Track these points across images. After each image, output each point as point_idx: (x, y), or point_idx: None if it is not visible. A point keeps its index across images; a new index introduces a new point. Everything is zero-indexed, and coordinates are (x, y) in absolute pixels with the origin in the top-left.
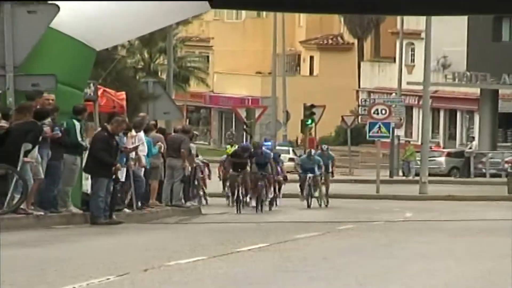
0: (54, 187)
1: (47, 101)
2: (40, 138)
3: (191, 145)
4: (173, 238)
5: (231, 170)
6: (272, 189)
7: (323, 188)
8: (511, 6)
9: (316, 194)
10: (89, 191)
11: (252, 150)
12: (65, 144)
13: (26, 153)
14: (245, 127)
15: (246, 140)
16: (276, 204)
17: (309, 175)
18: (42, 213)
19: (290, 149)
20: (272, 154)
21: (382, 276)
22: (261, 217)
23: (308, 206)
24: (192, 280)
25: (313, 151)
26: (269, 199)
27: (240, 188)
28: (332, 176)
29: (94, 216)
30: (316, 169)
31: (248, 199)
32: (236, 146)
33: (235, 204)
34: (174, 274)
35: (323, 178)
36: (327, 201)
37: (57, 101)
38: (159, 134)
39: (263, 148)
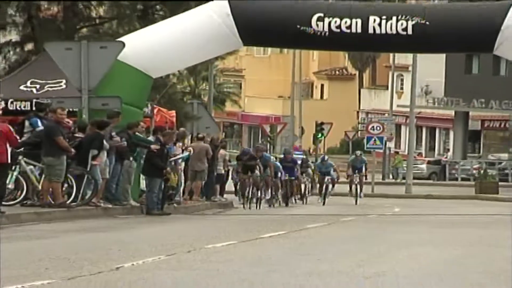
0: (115, 184)
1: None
2: (108, 147)
3: (223, 152)
4: (211, 227)
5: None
6: (269, 189)
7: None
8: (479, 47)
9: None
10: (145, 189)
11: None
12: (127, 152)
13: (93, 157)
14: (269, 139)
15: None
16: (295, 201)
17: (327, 177)
18: (109, 205)
19: (304, 156)
20: (271, 157)
21: (376, 259)
22: (282, 211)
23: (324, 204)
24: (225, 260)
25: (326, 157)
26: (267, 198)
27: (249, 188)
28: (338, 179)
29: (149, 208)
30: (331, 172)
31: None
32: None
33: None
34: (211, 255)
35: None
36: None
37: (123, 118)
38: (206, 144)
39: (292, 155)
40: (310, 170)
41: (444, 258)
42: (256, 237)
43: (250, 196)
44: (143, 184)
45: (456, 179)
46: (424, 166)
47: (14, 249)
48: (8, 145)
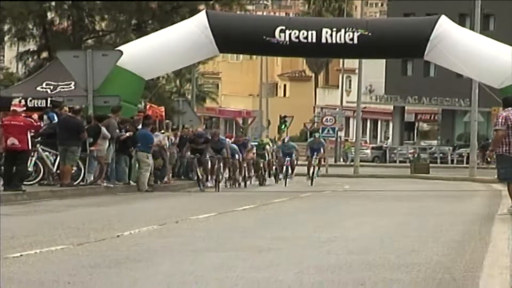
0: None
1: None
2: (109, 136)
3: None
4: (194, 202)
5: (188, 154)
6: (227, 169)
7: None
8: (412, 54)
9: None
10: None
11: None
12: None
13: (91, 144)
14: (241, 130)
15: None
16: (251, 181)
17: (287, 158)
18: (111, 185)
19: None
20: (226, 140)
21: (329, 226)
22: (252, 188)
23: (285, 184)
24: (207, 228)
25: (286, 139)
26: (225, 178)
27: (198, 170)
28: (297, 161)
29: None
30: (293, 153)
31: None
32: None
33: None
34: (195, 224)
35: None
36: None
37: (121, 113)
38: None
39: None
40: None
41: (385, 225)
42: (231, 210)
43: (202, 177)
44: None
45: (395, 161)
46: (368, 151)
47: (34, 221)
48: (29, 135)
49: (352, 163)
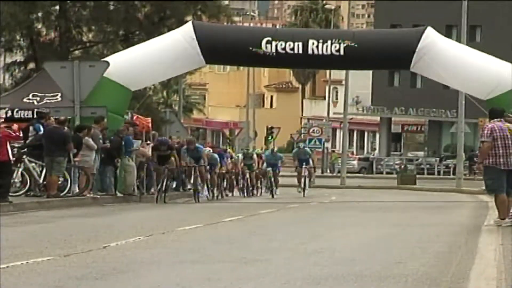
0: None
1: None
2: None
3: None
4: (181, 212)
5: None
6: (202, 178)
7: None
8: (399, 65)
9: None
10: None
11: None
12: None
13: (74, 155)
14: (228, 141)
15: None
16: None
17: (269, 169)
18: (97, 196)
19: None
20: (204, 149)
21: (316, 237)
22: (238, 199)
23: (272, 195)
24: (193, 239)
25: (275, 149)
26: (204, 187)
27: (165, 180)
28: (278, 172)
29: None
30: (279, 164)
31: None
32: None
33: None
34: (182, 236)
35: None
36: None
37: (107, 123)
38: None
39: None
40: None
41: (372, 236)
42: (218, 221)
43: (163, 188)
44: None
45: (382, 172)
46: (355, 162)
47: (20, 232)
48: (9, 146)
49: (339, 174)
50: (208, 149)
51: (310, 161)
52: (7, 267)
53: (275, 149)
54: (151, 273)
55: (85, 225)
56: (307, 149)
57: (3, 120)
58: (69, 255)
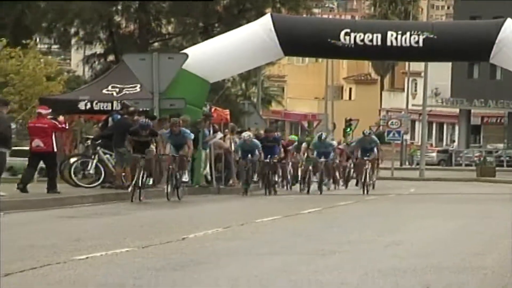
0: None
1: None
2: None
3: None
4: (258, 204)
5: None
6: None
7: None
8: (478, 57)
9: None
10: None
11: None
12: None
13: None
14: (307, 133)
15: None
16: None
17: (322, 160)
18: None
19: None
20: (192, 135)
21: (394, 229)
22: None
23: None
24: (271, 231)
25: (324, 135)
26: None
27: (142, 172)
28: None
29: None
30: (331, 153)
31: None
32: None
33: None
34: (260, 227)
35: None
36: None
37: (186, 114)
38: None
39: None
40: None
41: (450, 228)
42: (296, 213)
43: (140, 183)
44: (207, 169)
45: (461, 164)
46: (434, 154)
47: (99, 223)
48: (53, 137)
49: (417, 166)
50: (248, 133)
51: (375, 150)
52: (87, 258)
53: (323, 135)
54: (229, 265)
55: (163, 217)
56: (374, 137)
57: (50, 111)
58: (148, 247)
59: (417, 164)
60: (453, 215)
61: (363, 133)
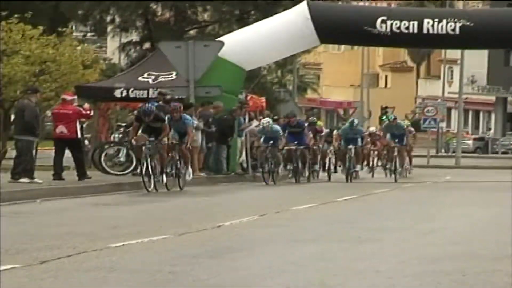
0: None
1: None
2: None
3: None
4: (294, 191)
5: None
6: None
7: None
8: None
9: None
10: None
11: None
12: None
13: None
14: (342, 121)
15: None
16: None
17: (351, 146)
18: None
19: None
20: (192, 122)
21: (431, 217)
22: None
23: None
24: (308, 218)
25: (356, 121)
26: (183, 172)
27: (150, 161)
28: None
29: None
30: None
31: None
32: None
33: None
34: (296, 215)
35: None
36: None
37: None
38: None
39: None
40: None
41: (486, 216)
42: (332, 200)
43: (150, 171)
44: (243, 157)
45: (497, 152)
46: (470, 142)
47: (135, 210)
48: (78, 124)
49: (453, 154)
50: (267, 119)
51: (405, 138)
52: (123, 245)
53: (355, 120)
54: (265, 252)
55: (199, 204)
56: (402, 122)
57: (75, 97)
58: (184, 234)
59: (453, 152)
60: (489, 203)
61: (388, 118)
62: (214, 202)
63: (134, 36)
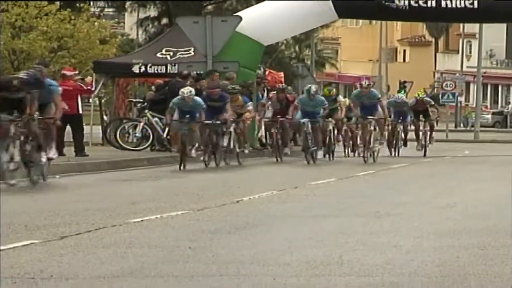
0: None
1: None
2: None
3: None
4: (313, 168)
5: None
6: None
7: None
8: None
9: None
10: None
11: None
12: None
13: None
14: None
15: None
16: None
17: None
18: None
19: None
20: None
21: (449, 192)
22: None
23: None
24: (326, 193)
25: (400, 96)
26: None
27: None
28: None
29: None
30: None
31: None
32: None
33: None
34: (314, 190)
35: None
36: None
37: (239, 78)
38: None
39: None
40: None
41: (505, 191)
42: (351, 175)
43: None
44: (262, 132)
45: None
46: (489, 116)
47: (154, 186)
48: (79, 99)
49: (472, 129)
50: (188, 89)
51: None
52: (142, 221)
53: (400, 97)
54: (283, 227)
55: (218, 180)
56: (376, 91)
57: (76, 72)
58: (203, 209)
59: (472, 126)
60: (508, 178)
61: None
62: (232, 177)
63: (152, 12)
